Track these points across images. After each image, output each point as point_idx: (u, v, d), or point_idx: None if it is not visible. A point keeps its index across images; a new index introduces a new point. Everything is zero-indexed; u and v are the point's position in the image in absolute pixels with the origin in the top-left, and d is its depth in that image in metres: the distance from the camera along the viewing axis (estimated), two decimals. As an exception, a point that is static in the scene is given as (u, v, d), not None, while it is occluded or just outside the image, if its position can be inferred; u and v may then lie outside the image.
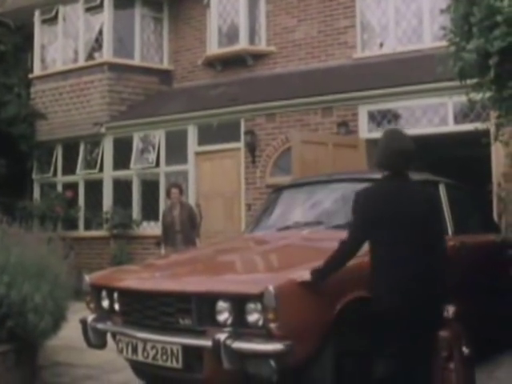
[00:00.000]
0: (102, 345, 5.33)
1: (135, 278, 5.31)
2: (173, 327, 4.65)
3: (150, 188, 13.37)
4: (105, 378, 6.23)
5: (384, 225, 4.10)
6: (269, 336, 4.18)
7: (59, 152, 14.58)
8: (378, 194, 4.26)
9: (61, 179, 14.54)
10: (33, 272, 6.05)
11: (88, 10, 14.23)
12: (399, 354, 4.07)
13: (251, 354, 4.23)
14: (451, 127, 10.30)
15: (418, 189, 4.34)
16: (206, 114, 12.44)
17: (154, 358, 4.66)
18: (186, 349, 4.51)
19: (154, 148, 13.10)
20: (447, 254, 4.23)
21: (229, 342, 4.19)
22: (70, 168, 14.31)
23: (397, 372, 4.05)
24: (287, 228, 6.05)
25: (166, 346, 4.59)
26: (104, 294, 5.36)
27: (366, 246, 5.23)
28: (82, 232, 14.04)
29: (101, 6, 13.97)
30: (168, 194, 10.45)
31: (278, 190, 7.07)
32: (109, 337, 5.30)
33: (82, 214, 14.09)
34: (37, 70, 15.00)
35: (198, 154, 12.68)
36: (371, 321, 4.21)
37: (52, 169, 14.59)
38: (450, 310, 4.12)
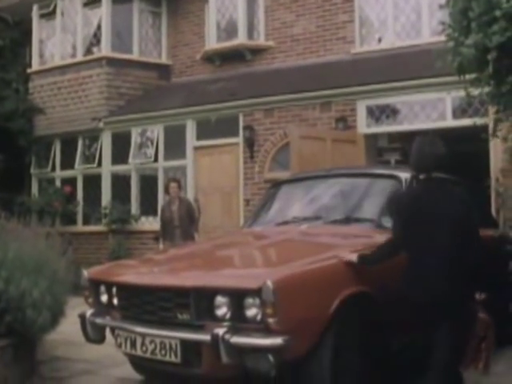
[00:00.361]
0: (101, 339, 5.35)
1: (134, 273, 5.31)
2: (171, 322, 4.65)
3: (148, 183, 13.37)
4: (103, 372, 6.24)
5: (419, 225, 4.30)
6: (267, 331, 4.19)
7: (57, 147, 14.57)
8: (413, 196, 4.52)
9: (59, 174, 14.53)
10: (31, 267, 6.04)
11: (86, 4, 14.21)
12: (426, 341, 4.29)
13: (249, 348, 4.24)
14: (449, 122, 10.31)
15: (452, 190, 4.54)
16: (205, 108, 12.44)
17: (153, 352, 4.67)
18: (185, 343, 4.52)
19: (152, 143, 13.09)
20: (483, 249, 4.42)
21: (227, 336, 4.20)
22: (68, 163, 14.30)
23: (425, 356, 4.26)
24: (286, 223, 6.06)
25: (164, 340, 4.60)
26: (102, 288, 5.36)
27: (361, 243, 5.26)
28: (80, 227, 14.05)
29: (99, 0, 13.95)
30: (166, 189, 10.45)
31: (277, 184, 7.07)
32: (107, 331, 5.31)
33: (80, 209, 14.10)
34: (35, 65, 14.98)
35: (196, 148, 12.68)
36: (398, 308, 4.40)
37: (50, 164, 14.58)
38: (482, 296, 4.53)
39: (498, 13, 4.71)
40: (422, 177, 4.46)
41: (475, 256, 4.28)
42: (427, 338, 4.27)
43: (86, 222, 14.08)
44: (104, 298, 5.34)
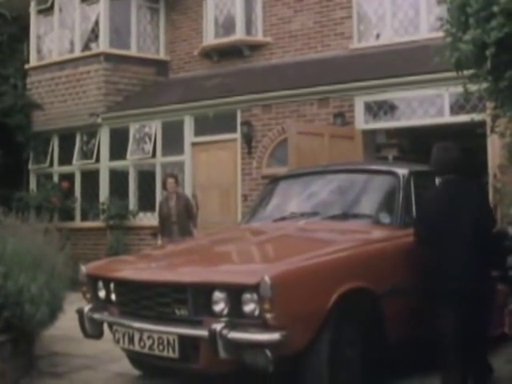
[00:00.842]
0: (99, 335, 5.36)
1: (131, 269, 5.32)
2: (169, 317, 4.67)
3: (146, 179, 13.36)
4: (102, 367, 6.24)
5: (445, 221, 4.86)
6: (265, 326, 4.20)
7: (55, 142, 14.55)
8: (437, 196, 5.14)
9: (57, 170, 14.51)
10: (29, 263, 6.05)
11: (84, 0, 14.18)
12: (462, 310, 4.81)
13: (247, 343, 4.25)
14: (447, 118, 10.30)
15: (470, 188, 5.10)
16: (203, 104, 12.42)
17: (151, 347, 4.69)
18: (183, 339, 4.53)
19: (150, 139, 13.08)
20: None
21: (225, 332, 4.22)
22: (66, 158, 14.28)
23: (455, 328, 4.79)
24: (283, 219, 6.07)
25: (162, 335, 4.61)
26: (100, 284, 5.37)
27: (359, 239, 5.27)
28: (78, 223, 14.03)
29: (97, -4, 13.94)
30: (164, 185, 10.44)
31: (275, 180, 7.08)
32: (105, 327, 5.32)
33: (78, 205, 14.08)
34: (33, 61, 14.94)
35: (194, 144, 12.67)
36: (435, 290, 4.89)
37: (48, 159, 14.56)
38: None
39: (495, 8, 4.70)
40: (443, 178, 5.09)
41: (493, 243, 4.98)
42: (450, 324, 4.75)
43: (83, 217, 14.07)
44: (102, 293, 5.35)
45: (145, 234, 12.70)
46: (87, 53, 14.07)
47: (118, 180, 13.60)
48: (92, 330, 5.28)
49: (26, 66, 14.95)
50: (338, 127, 10.86)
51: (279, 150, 11.43)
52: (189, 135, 12.68)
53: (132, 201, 13.33)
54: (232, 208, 12.03)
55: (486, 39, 4.80)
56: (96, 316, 5.24)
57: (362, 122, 10.98)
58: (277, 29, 13.05)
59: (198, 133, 12.65)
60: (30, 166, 14.85)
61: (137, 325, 4.79)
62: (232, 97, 12.06)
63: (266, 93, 11.76)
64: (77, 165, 14.07)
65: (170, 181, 10.20)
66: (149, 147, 13.04)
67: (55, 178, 14.46)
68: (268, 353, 4.15)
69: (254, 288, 4.20)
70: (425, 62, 8.81)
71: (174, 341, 4.55)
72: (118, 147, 13.49)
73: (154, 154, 13.00)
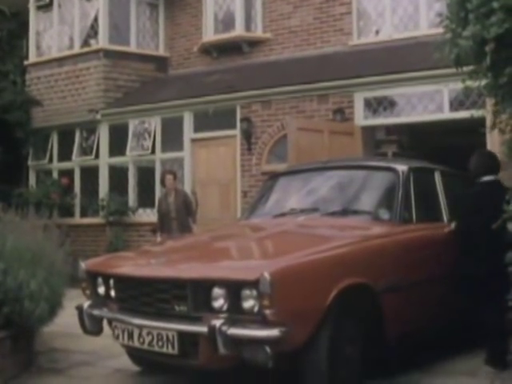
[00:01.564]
0: (98, 331, 5.36)
1: (131, 265, 5.32)
2: (168, 313, 4.66)
3: (145, 175, 13.36)
4: (101, 363, 6.25)
5: (474, 215, 5.58)
6: (264, 322, 4.20)
7: (55, 139, 14.55)
8: (475, 193, 5.84)
9: (57, 166, 14.52)
10: (28, 259, 6.05)
11: (83, -4, 14.18)
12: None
13: (246, 340, 4.25)
14: (447, 114, 10.30)
15: (498, 188, 5.66)
16: (202, 100, 12.41)
17: (150, 344, 4.68)
18: (182, 335, 4.53)
19: (149, 135, 13.08)
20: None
21: (224, 328, 4.22)
22: (65, 155, 14.29)
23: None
24: (283, 215, 6.07)
25: (161, 332, 4.61)
26: (100, 280, 5.37)
27: (358, 235, 5.28)
28: (77, 219, 14.04)
29: (96, -8, 13.92)
30: (162, 182, 10.44)
31: (274, 176, 7.08)
32: (105, 323, 5.32)
33: (77, 201, 14.09)
34: (32, 57, 14.93)
35: (193, 140, 12.67)
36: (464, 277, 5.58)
37: (48, 156, 14.56)
38: None
39: (495, 4, 4.69)
40: (484, 179, 5.77)
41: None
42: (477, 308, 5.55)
43: (83, 213, 14.07)
44: (101, 289, 5.35)
45: (144, 230, 12.69)
46: (86, 49, 14.06)
47: (118, 176, 13.61)
48: (91, 327, 5.28)
49: (26, 63, 14.93)
50: (338, 123, 10.85)
51: (279, 147, 11.42)
52: (188, 131, 12.67)
53: (131, 197, 13.34)
54: (231, 204, 12.03)
55: (486, 35, 4.79)
56: (95, 312, 5.24)
57: (361, 118, 10.98)
58: (276, 25, 13.04)
59: (197, 129, 12.64)
60: (30, 163, 14.85)
61: (136, 321, 4.78)
62: (231, 93, 12.05)
63: (266, 89, 11.76)
64: (76, 161, 14.07)
65: (169, 177, 10.20)
66: (148, 143, 13.04)
67: (55, 175, 14.46)
68: (267, 349, 4.15)
69: (254, 284, 4.20)
70: (424, 58, 8.80)
71: (173, 337, 4.55)
72: (118, 143, 13.49)
73: (153, 151, 13.00)
